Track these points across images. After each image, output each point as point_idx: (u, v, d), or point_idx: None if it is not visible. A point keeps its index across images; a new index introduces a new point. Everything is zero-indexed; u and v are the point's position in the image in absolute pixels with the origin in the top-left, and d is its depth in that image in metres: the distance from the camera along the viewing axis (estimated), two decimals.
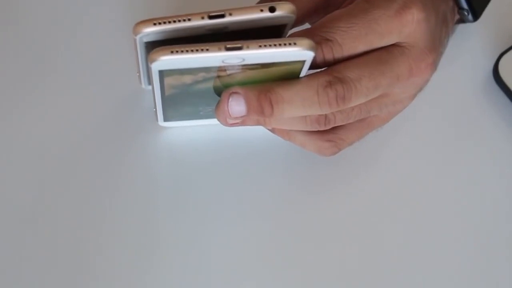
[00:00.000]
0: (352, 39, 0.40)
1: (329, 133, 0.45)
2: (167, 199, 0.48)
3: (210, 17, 0.38)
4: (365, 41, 0.41)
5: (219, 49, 0.37)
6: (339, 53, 0.40)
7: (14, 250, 0.46)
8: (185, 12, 0.38)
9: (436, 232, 0.48)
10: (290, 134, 0.45)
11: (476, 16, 0.48)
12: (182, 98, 0.44)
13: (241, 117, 0.41)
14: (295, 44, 0.38)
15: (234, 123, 0.41)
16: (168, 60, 0.37)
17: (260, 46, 0.37)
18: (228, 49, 0.37)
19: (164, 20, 0.38)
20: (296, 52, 0.38)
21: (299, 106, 0.40)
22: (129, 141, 0.49)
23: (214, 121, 0.45)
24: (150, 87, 0.43)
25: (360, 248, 0.48)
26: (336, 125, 0.43)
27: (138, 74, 0.47)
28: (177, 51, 0.37)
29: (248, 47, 0.37)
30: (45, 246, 0.46)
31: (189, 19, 0.38)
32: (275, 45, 0.38)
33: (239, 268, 0.46)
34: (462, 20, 0.49)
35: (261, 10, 0.38)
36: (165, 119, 0.48)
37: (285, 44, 0.38)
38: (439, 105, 0.51)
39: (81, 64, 0.51)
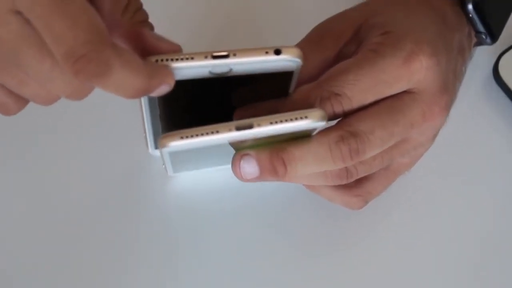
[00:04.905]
0: (361, 91, 0.40)
1: (356, 188, 0.44)
2: (180, 248, 0.48)
3: (214, 57, 0.36)
4: (374, 92, 0.40)
5: (230, 130, 0.37)
6: (348, 106, 0.40)
7: None
8: (188, 50, 0.37)
9: (438, 230, 0.49)
10: (317, 188, 0.45)
11: (494, 38, 0.46)
12: (192, 158, 0.44)
13: (255, 178, 0.40)
14: (306, 117, 0.37)
15: (251, 179, 0.41)
16: (178, 146, 0.37)
17: (271, 123, 0.37)
18: (238, 129, 0.37)
19: (175, 57, 0.37)
20: (307, 125, 0.37)
21: (312, 164, 0.40)
22: (139, 194, 0.49)
23: (224, 166, 0.44)
24: (157, 152, 0.42)
25: (362, 250, 0.48)
26: (359, 177, 0.42)
27: (144, 135, 0.45)
28: (186, 136, 0.37)
29: (259, 125, 0.37)
30: None
31: (192, 58, 0.36)
32: (286, 120, 0.37)
33: None
34: (479, 43, 0.47)
35: (266, 52, 0.37)
36: (175, 171, 0.47)
37: (296, 119, 0.37)
38: None
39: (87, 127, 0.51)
